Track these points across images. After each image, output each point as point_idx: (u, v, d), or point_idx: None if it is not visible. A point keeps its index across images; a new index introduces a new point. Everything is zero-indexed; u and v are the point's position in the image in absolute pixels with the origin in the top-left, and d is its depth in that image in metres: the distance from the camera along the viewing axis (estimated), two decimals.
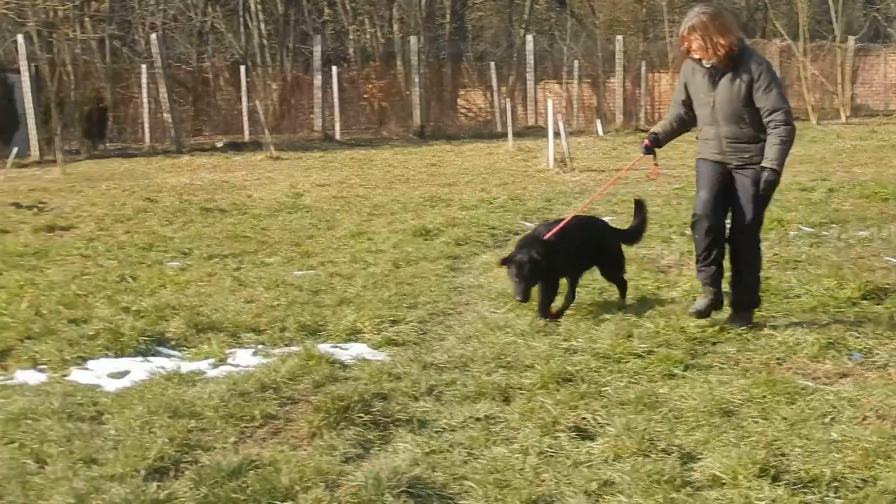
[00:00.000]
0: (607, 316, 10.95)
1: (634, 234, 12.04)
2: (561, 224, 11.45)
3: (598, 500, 6.49)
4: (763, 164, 10.11)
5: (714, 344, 9.97)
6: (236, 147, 43.41)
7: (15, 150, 32.61)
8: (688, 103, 10.69)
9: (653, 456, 7.09)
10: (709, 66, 10.28)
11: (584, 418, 7.87)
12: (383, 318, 11.00)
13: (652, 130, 10.97)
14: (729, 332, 10.21)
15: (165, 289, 12.99)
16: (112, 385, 9.18)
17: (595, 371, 9.04)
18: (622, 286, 11.88)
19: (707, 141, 10.52)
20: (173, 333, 10.67)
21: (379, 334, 10.52)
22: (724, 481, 6.71)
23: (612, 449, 7.22)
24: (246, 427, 7.91)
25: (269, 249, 16.30)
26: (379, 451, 7.35)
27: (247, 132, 47.66)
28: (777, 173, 10.14)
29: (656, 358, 9.39)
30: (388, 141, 46.48)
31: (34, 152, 39.40)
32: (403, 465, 6.80)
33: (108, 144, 43.98)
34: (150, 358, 10.00)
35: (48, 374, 9.55)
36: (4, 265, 14.74)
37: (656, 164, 11.14)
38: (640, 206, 12.08)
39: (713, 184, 10.44)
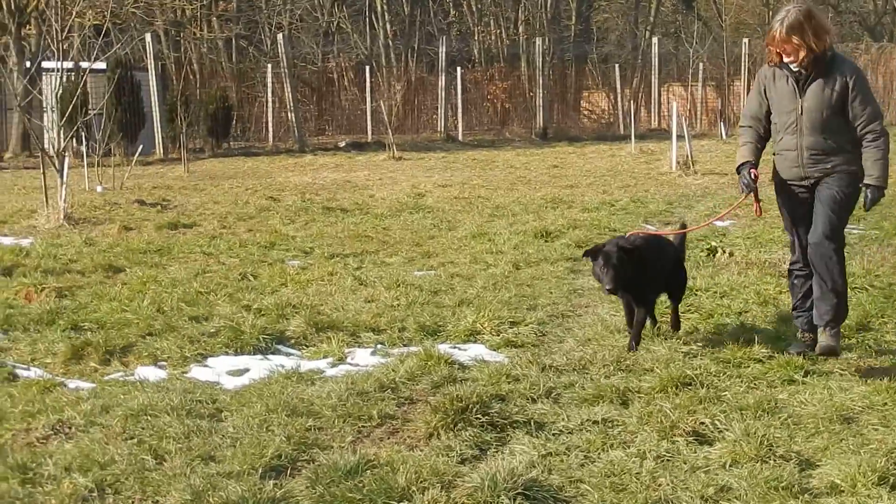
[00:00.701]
0: (727, 321, 10.82)
1: (682, 250, 11.17)
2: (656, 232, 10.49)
3: None
4: (867, 182, 9.37)
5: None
6: (359, 147, 43.68)
7: (140, 147, 33.04)
8: (765, 117, 9.79)
9: (771, 462, 6.99)
10: (797, 70, 9.45)
11: (702, 423, 7.77)
12: (503, 319, 10.96)
13: (745, 160, 9.76)
14: (851, 339, 10.03)
15: (286, 287, 13.07)
16: (231, 382, 9.26)
17: (714, 375, 8.93)
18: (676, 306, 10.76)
19: (786, 153, 9.63)
20: (293, 332, 10.73)
21: (498, 335, 10.49)
22: (842, 489, 6.60)
23: (730, 454, 7.13)
24: (363, 427, 7.92)
25: (390, 249, 16.35)
26: (496, 452, 7.32)
27: (370, 132, 47.95)
28: (882, 190, 9.45)
29: (776, 363, 9.27)
30: (511, 142, 46.49)
31: (159, 150, 39.94)
32: (520, 468, 6.75)
33: (231, 143, 44.44)
34: (270, 356, 10.07)
35: (168, 370, 9.66)
36: (128, 262, 14.93)
37: (759, 200, 9.89)
38: (683, 226, 11.69)
39: (803, 221, 9.66)
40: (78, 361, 9.89)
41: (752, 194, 9.72)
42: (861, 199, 9.50)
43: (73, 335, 10.55)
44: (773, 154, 9.79)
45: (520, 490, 6.50)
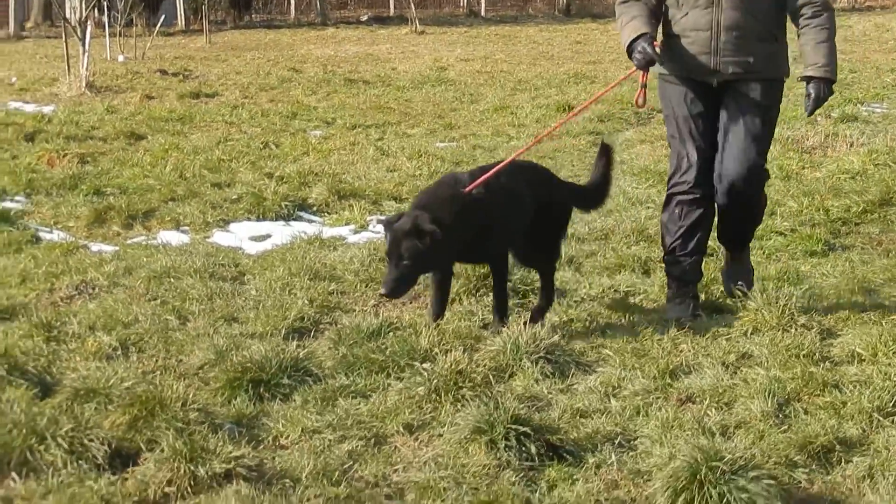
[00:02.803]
0: None
1: (594, 194, 7.84)
2: (493, 170, 7.12)
3: (735, 372, 6.43)
4: (810, 73, 7.12)
5: (857, 224, 9.78)
6: (381, 21, 43.30)
7: (162, 17, 32.85)
8: None
9: (792, 331, 7.00)
10: None
11: (723, 292, 7.80)
12: None
13: (640, 33, 7.18)
14: (873, 213, 9.99)
15: (308, 156, 13.07)
16: (253, 247, 9.30)
17: None
18: (550, 282, 7.50)
19: (692, 35, 7.29)
20: (315, 199, 10.74)
21: None
22: (863, 357, 6.61)
23: (752, 322, 7.14)
24: None
25: (412, 121, 16.29)
26: (518, 317, 7.33)
27: (392, 6, 47.47)
28: (831, 85, 7.24)
29: (798, 236, 9.27)
30: (533, 18, 45.99)
31: (180, 21, 39.63)
32: (542, 332, 6.76)
33: (253, 15, 44.09)
34: (292, 222, 10.10)
35: (190, 235, 9.70)
36: (149, 129, 14.92)
37: (646, 86, 7.31)
38: (605, 151, 7.88)
39: (702, 134, 7.46)
40: (100, 225, 9.94)
41: (643, 73, 7.24)
42: (804, 100, 7.30)
43: (96, 200, 10.59)
44: (664, 39, 7.49)
45: (542, 354, 6.52)
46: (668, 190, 7.64)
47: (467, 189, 6.90)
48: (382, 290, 6.81)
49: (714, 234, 7.86)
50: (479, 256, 7.31)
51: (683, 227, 7.52)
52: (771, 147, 7.67)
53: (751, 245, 8.08)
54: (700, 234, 7.56)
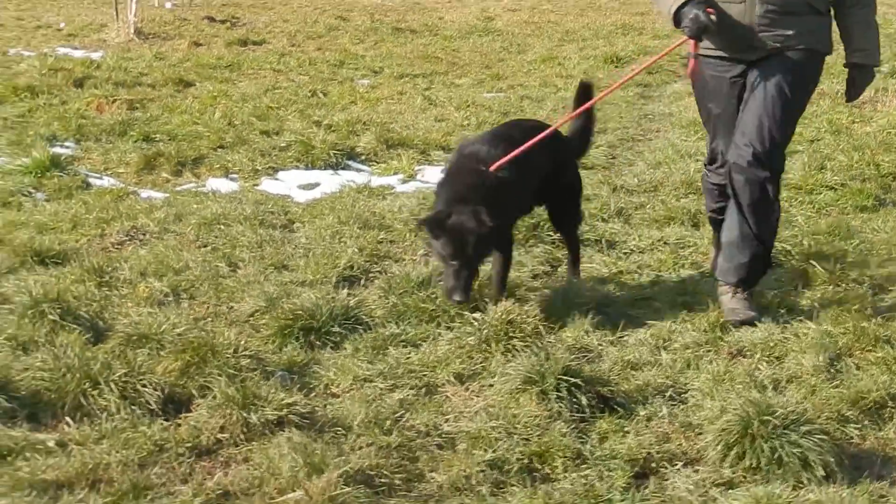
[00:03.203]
0: (799, 148, 10.67)
1: (578, 142, 7.38)
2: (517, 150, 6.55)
3: (786, 326, 6.40)
4: (855, 60, 6.61)
5: None
6: None
7: None
8: None
9: (843, 286, 6.98)
10: None
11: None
12: None
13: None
14: None
15: (356, 105, 13.05)
16: (302, 196, 9.30)
17: (785, 200, 8.83)
18: (575, 242, 7.30)
19: (726, 5, 6.42)
20: (363, 148, 10.74)
21: None
22: None
23: (801, 276, 7.11)
24: None
25: (460, 71, 16.24)
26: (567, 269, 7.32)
27: None
28: (873, 72, 6.84)
29: (848, 191, 9.20)
30: None
31: None
32: (591, 283, 6.76)
33: None
34: (340, 171, 10.11)
35: (239, 182, 9.71)
36: (198, 76, 14.92)
37: (698, 56, 6.52)
38: (585, 91, 7.21)
39: (733, 121, 6.64)
40: (150, 172, 9.97)
41: (694, 42, 6.43)
42: (846, 85, 6.86)
43: (145, 146, 10.62)
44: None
45: (592, 305, 6.52)
46: (704, 166, 7.20)
47: (493, 168, 6.39)
48: (458, 298, 6.22)
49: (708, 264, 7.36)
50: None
51: (718, 205, 6.98)
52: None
53: (801, 200, 8.02)
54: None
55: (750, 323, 6.41)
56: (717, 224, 7.10)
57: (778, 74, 6.41)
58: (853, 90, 6.81)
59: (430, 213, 6.47)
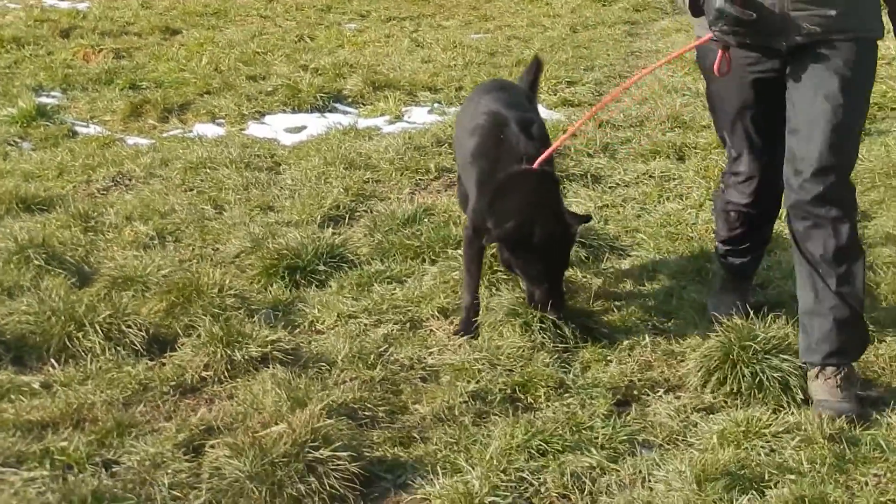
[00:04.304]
0: None
1: None
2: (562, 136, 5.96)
3: (769, 254, 6.42)
4: None
5: (893, 109, 9.68)
6: None
7: None
8: None
9: None
10: None
11: None
12: (560, 79, 10.88)
13: None
14: None
15: (343, 49, 12.99)
16: (289, 139, 9.30)
17: None
18: None
19: None
20: (350, 91, 10.70)
21: (555, 95, 10.42)
22: None
23: (784, 205, 7.11)
24: (420, 179, 7.97)
25: (447, 13, 16.15)
26: None
27: None
28: None
29: None
30: None
31: None
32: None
33: None
34: (327, 114, 10.07)
35: (226, 127, 9.69)
36: (184, 24, 14.83)
37: (728, 48, 5.02)
38: (535, 67, 6.62)
39: (757, 121, 5.38)
40: (136, 119, 9.94)
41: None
42: None
43: (132, 94, 10.57)
44: None
45: (576, 238, 6.53)
46: (721, 181, 5.80)
47: (537, 163, 5.47)
48: (563, 315, 5.49)
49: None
50: None
51: (735, 233, 5.74)
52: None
53: None
54: (756, 240, 5.82)
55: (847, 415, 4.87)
56: (733, 269, 5.90)
57: (833, 62, 4.93)
58: None
59: (508, 225, 5.36)
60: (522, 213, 5.37)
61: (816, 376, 5.01)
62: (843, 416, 4.82)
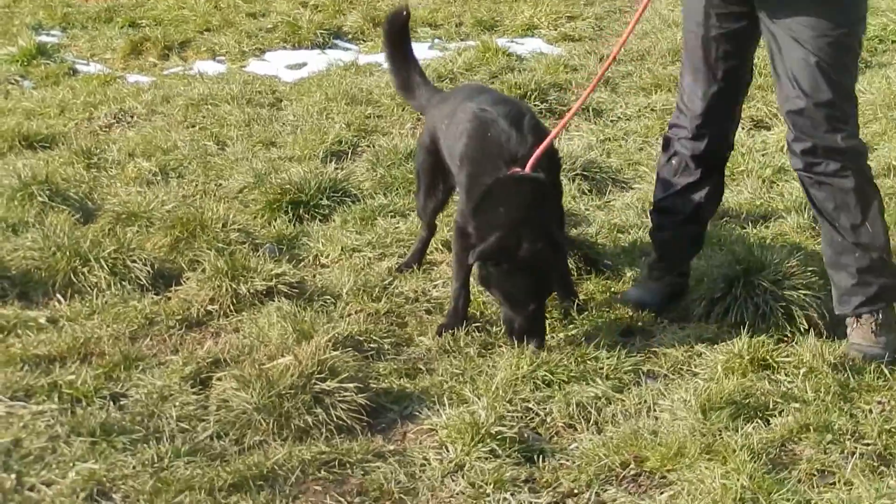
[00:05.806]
0: None
1: None
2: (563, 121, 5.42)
3: (772, 185, 6.45)
4: None
5: (894, 42, 9.60)
6: None
7: None
8: None
9: None
10: None
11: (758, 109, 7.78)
12: (560, 14, 10.80)
13: None
14: None
15: None
16: (290, 75, 9.27)
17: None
18: None
19: None
20: (350, 27, 10.64)
21: (555, 30, 10.35)
22: None
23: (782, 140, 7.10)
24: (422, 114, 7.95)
25: None
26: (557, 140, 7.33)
27: None
28: None
29: None
30: None
31: None
32: (578, 150, 6.79)
33: None
34: (328, 50, 10.03)
35: (227, 64, 9.67)
36: None
37: None
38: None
39: (717, 66, 5.02)
40: (137, 57, 9.92)
41: None
42: None
43: (131, 32, 10.53)
44: None
45: (578, 171, 6.57)
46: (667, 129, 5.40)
47: (528, 168, 4.93)
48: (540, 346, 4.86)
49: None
50: None
51: (678, 187, 5.25)
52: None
53: None
54: (700, 203, 5.28)
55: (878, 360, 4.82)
56: (661, 244, 5.40)
57: (809, 23, 4.61)
58: None
59: (491, 240, 4.85)
60: (507, 226, 4.84)
61: (854, 325, 4.91)
62: (877, 357, 4.78)
